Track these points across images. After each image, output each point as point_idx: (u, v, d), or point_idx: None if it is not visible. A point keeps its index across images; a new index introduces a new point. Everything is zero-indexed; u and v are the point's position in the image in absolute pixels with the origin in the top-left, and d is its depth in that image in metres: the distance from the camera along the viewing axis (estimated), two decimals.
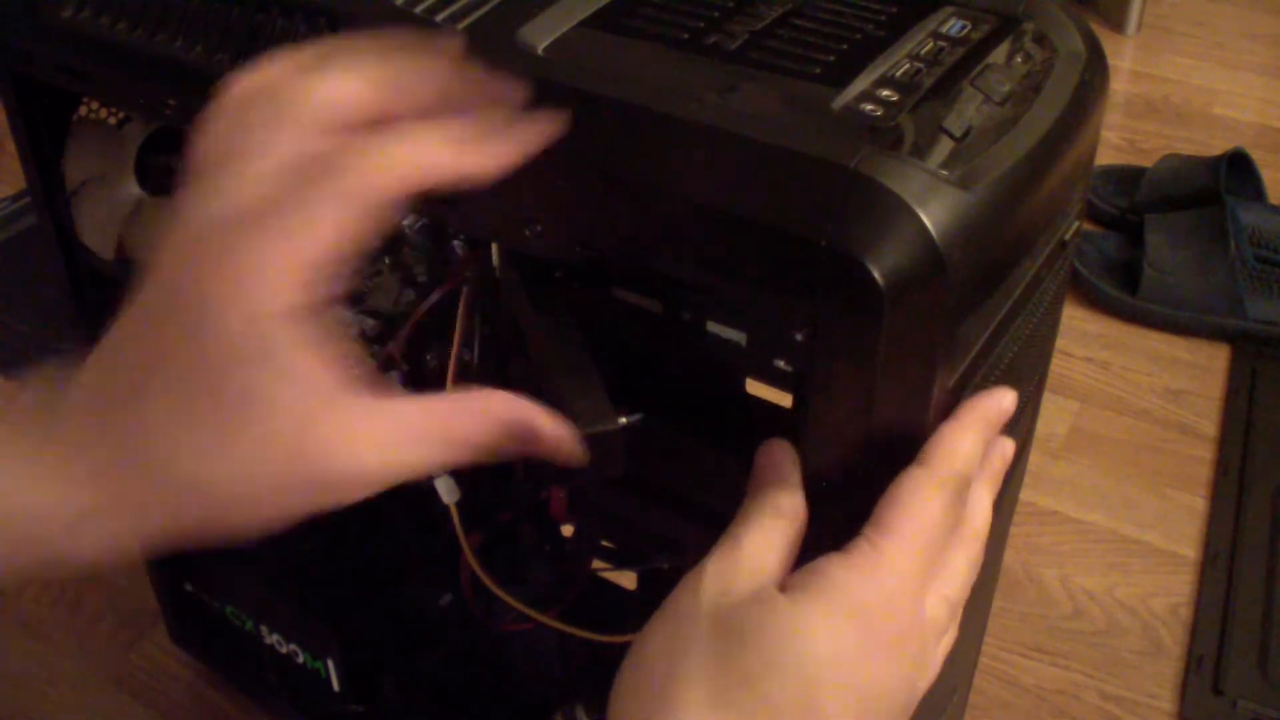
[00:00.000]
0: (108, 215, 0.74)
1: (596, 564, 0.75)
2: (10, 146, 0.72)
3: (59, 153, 0.71)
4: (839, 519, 0.47)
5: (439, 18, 0.54)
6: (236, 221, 0.42)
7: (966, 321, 0.45)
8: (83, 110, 0.72)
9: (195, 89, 0.59)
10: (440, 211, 0.54)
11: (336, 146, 0.43)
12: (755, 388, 0.52)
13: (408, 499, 0.81)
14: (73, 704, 1.00)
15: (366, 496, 0.45)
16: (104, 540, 0.45)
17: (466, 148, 0.43)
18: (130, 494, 0.44)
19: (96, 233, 0.74)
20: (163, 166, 0.76)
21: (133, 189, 0.74)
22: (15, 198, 1.51)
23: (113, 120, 0.74)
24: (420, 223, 0.61)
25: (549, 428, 0.46)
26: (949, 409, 0.47)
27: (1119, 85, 1.80)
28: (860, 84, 0.48)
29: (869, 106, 0.46)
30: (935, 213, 0.42)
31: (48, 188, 0.72)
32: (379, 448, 0.44)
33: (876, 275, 0.40)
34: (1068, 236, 0.56)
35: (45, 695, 1.00)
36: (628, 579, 0.80)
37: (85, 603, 1.08)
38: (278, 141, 0.43)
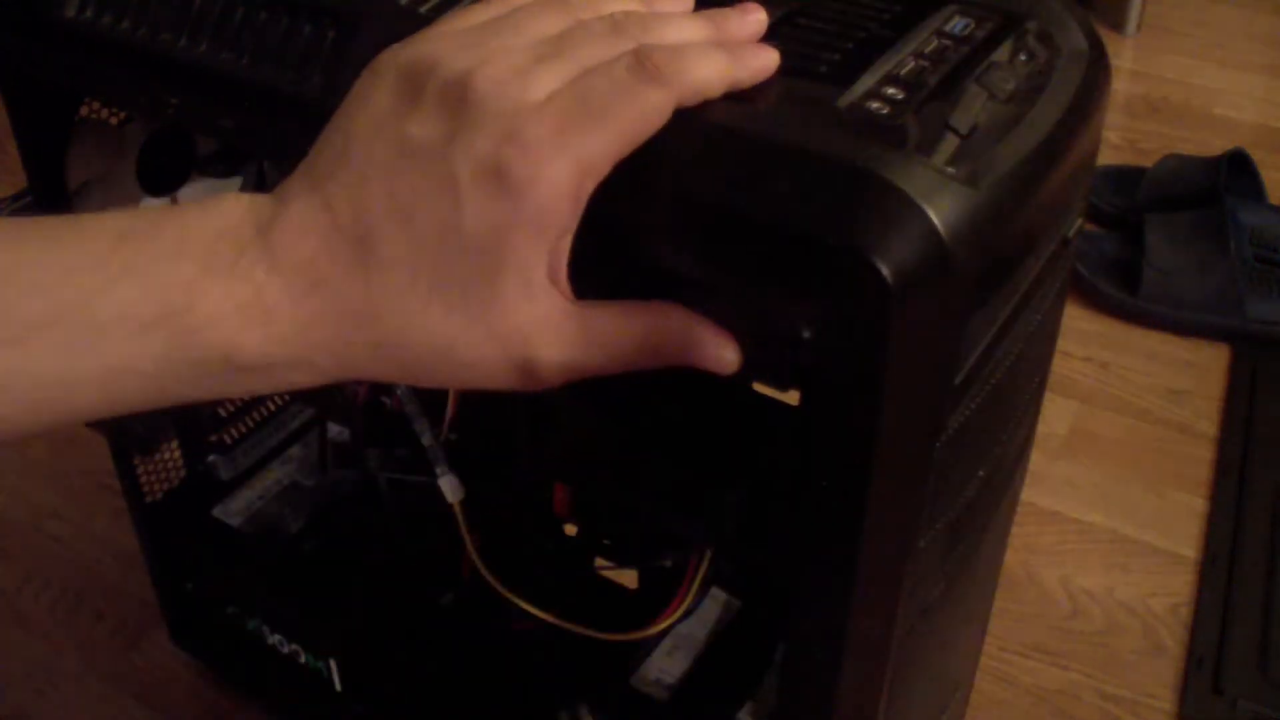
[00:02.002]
0: None
1: (598, 562, 0.75)
2: (11, 147, 0.72)
3: (61, 153, 0.71)
4: (844, 518, 0.47)
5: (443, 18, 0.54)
6: (548, 95, 0.44)
7: (972, 319, 0.45)
8: (84, 110, 0.72)
9: (198, 88, 0.59)
10: None
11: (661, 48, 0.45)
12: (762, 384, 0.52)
13: (409, 499, 0.81)
14: (73, 704, 1.00)
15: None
16: (290, 357, 0.46)
17: (742, 61, 0.46)
18: (337, 339, 0.45)
19: None
20: (164, 167, 0.76)
21: (134, 189, 0.74)
22: (15, 198, 1.50)
23: (114, 120, 0.74)
24: None
25: (731, 358, 0.47)
26: (955, 408, 0.47)
27: (1119, 85, 1.80)
28: (866, 82, 0.48)
29: (875, 104, 0.46)
30: (942, 210, 0.42)
31: (49, 188, 0.72)
32: (585, 346, 0.46)
33: (885, 272, 0.40)
34: (1070, 234, 0.56)
35: (45, 695, 1.00)
36: (628, 578, 0.80)
37: (85, 603, 1.08)
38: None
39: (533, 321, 0.45)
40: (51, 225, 0.45)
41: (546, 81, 0.44)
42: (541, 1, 0.48)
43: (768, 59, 0.47)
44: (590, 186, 0.44)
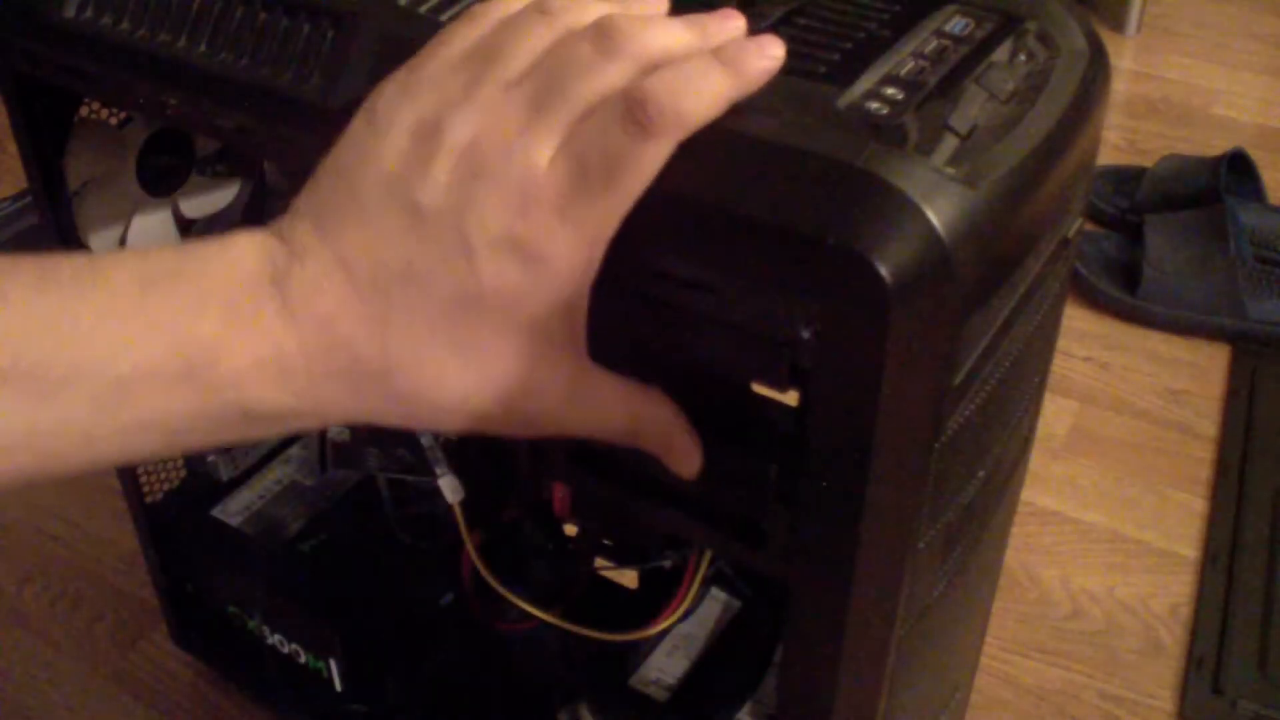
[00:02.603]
0: (110, 216, 0.74)
1: (598, 562, 0.75)
2: (11, 146, 0.72)
3: (60, 153, 0.71)
4: (841, 519, 0.47)
5: (443, 18, 0.54)
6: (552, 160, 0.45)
7: (972, 319, 0.45)
8: (84, 111, 0.72)
9: (198, 89, 0.59)
10: None
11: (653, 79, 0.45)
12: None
13: (409, 498, 0.81)
14: (73, 704, 0.99)
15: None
16: (306, 408, 0.47)
17: (739, 68, 0.46)
18: (352, 392, 0.47)
19: (98, 234, 0.74)
20: (164, 167, 0.76)
21: (134, 190, 0.74)
22: (16, 197, 1.51)
23: (114, 121, 0.74)
24: None
25: (693, 449, 0.50)
26: (954, 408, 0.47)
27: (1119, 85, 1.80)
28: (865, 82, 0.48)
29: (874, 104, 0.46)
30: (942, 210, 0.42)
31: (50, 188, 0.72)
32: (582, 408, 0.49)
33: (883, 273, 0.40)
34: (1070, 234, 0.56)
35: (45, 695, 1.00)
36: (628, 578, 0.80)
37: (85, 602, 1.08)
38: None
39: (548, 380, 0.47)
40: (73, 271, 0.45)
41: (547, 138, 0.45)
42: (523, 13, 0.48)
43: (769, 59, 0.47)
44: (602, 248, 0.45)
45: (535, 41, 0.47)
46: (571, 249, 0.44)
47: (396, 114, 0.47)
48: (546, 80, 0.46)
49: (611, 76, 0.45)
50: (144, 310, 0.45)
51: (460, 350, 0.46)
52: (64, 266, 0.45)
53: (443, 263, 0.45)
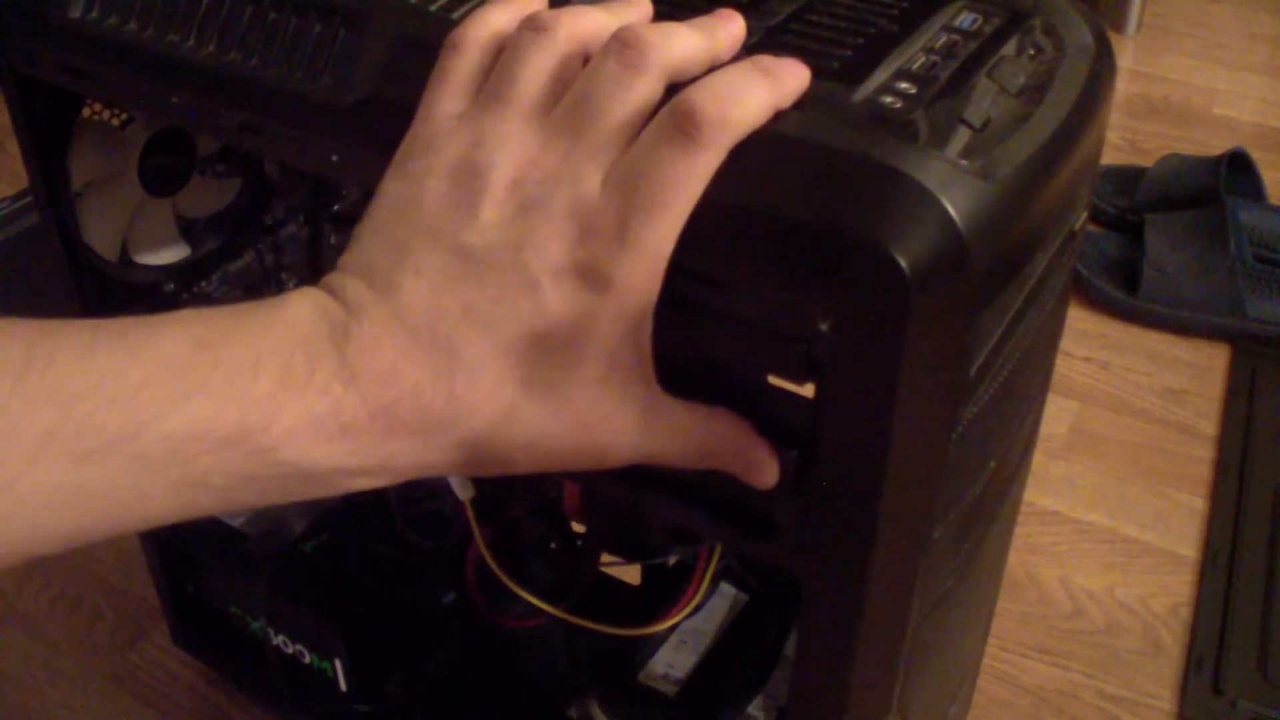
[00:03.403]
0: (112, 217, 0.74)
1: (603, 558, 0.75)
2: (11, 146, 0.72)
3: (62, 153, 0.71)
4: (857, 511, 0.47)
5: (455, 15, 0.54)
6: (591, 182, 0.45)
7: (986, 311, 0.45)
8: (86, 111, 0.72)
9: (205, 89, 0.59)
10: None
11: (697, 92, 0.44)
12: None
13: (416, 497, 0.81)
14: (73, 704, 0.99)
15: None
16: (366, 465, 0.46)
17: (778, 76, 0.46)
18: (417, 444, 0.46)
19: (100, 234, 0.74)
20: (166, 168, 0.76)
21: (136, 191, 0.74)
22: (16, 197, 1.50)
23: (116, 121, 0.74)
24: None
25: (771, 460, 0.49)
26: (969, 400, 0.47)
27: (1119, 85, 1.80)
28: (878, 77, 0.48)
29: (888, 99, 0.47)
30: (959, 202, 0.42)
31: (51, 189, 0.71)
32: (657, 436, 0.48)
33: (902, 264, 0.40)
34: (1077, 227, 0.56)
35: (45, 695, 1.00)
36: (629, 573, 0.80)
37: (85, 602, 1.08)
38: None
39: (619, 408, 0.46)
40: (123, 331, 0.45)
41: (593, 163, 0.45)
42: (520, 35, 0.48)
43: (803, 70, 0.47)
44: (663, 266, 0.45)
45: (543, 62, 0.47)
46: (634, 270, 0.44)
47: (429, 164, 0.47)
48: (579, 104, 0.45)
49: (642, 91, 0.45)
50: (194, 371, 0.44)
51: (529, 388, 0.45)
52: (113, 327, 0.45)
53: (504, 301, 0.44)
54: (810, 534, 0.49)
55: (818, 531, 0.49)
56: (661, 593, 0.68)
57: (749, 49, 0.50)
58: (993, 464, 0.56)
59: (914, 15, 0.53)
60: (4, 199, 1.52)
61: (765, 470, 0.49)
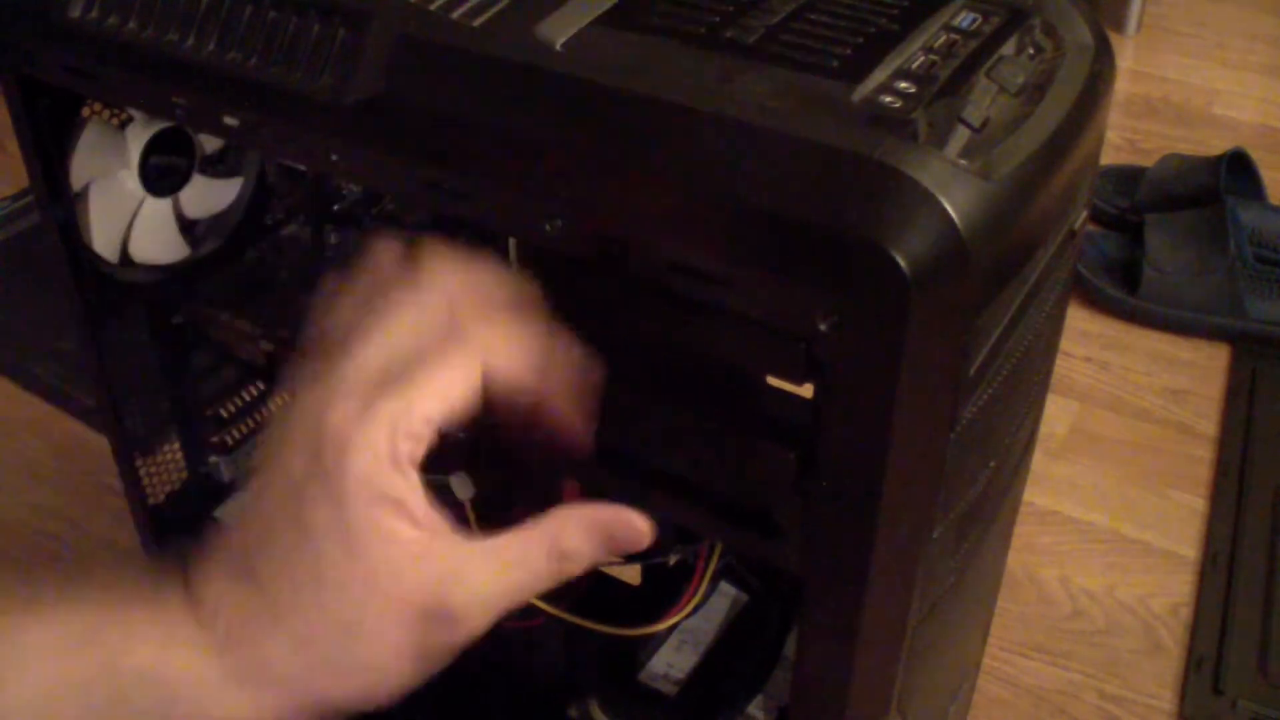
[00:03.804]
0: (112, 217, 0.74)
1: None
2: (11, 146, 0.72)
3: (62, 153, 0.71)
4: (858, 510, 0.47)
5: (455, 15, 0.54)
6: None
7: (987, 310, 0.46)
8: (86, 111, 0.72)
9: (205, 89, 0.59)
10: (457, 206, 0.54)
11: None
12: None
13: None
14: None
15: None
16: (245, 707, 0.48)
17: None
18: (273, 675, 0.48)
19: (101, 234, 0.74)
20: (166, 167, 0.76)
21: (136, 190, 0.74)
22: (16, 197, 1.50)
23: (115, 121, 0.74)
24: None
25: (644, 525, 0.49)
26: (969, 399, 0.47)
27: (1119, 85, 1.80)
28: (877, 77, 0.48)
29: (888, 99, 0.47)
30: (958, 202, 0.42)
31: (51, 188, 0.72)
32: (492, 576, 0.48)
33: (902, 263, 0.40)
34: (1077, 226, 0.56)
35: None
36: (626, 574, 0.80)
37: None
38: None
39: (430, 570, 0.47)
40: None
41: None
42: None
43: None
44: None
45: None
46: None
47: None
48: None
49: None
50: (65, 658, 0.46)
51: (351, 630, 0.47)
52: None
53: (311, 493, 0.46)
54: (810, 534, 0.49)
55: (818, 531, 0.49)
56: (661, 593, 0.68)
57: (749, 49, 0.50)
58: (993, 464, 0.56)
59: (914, 14, 0.53)
60: (4, 199, 1.52)
61: (631, 524, 0.49)
